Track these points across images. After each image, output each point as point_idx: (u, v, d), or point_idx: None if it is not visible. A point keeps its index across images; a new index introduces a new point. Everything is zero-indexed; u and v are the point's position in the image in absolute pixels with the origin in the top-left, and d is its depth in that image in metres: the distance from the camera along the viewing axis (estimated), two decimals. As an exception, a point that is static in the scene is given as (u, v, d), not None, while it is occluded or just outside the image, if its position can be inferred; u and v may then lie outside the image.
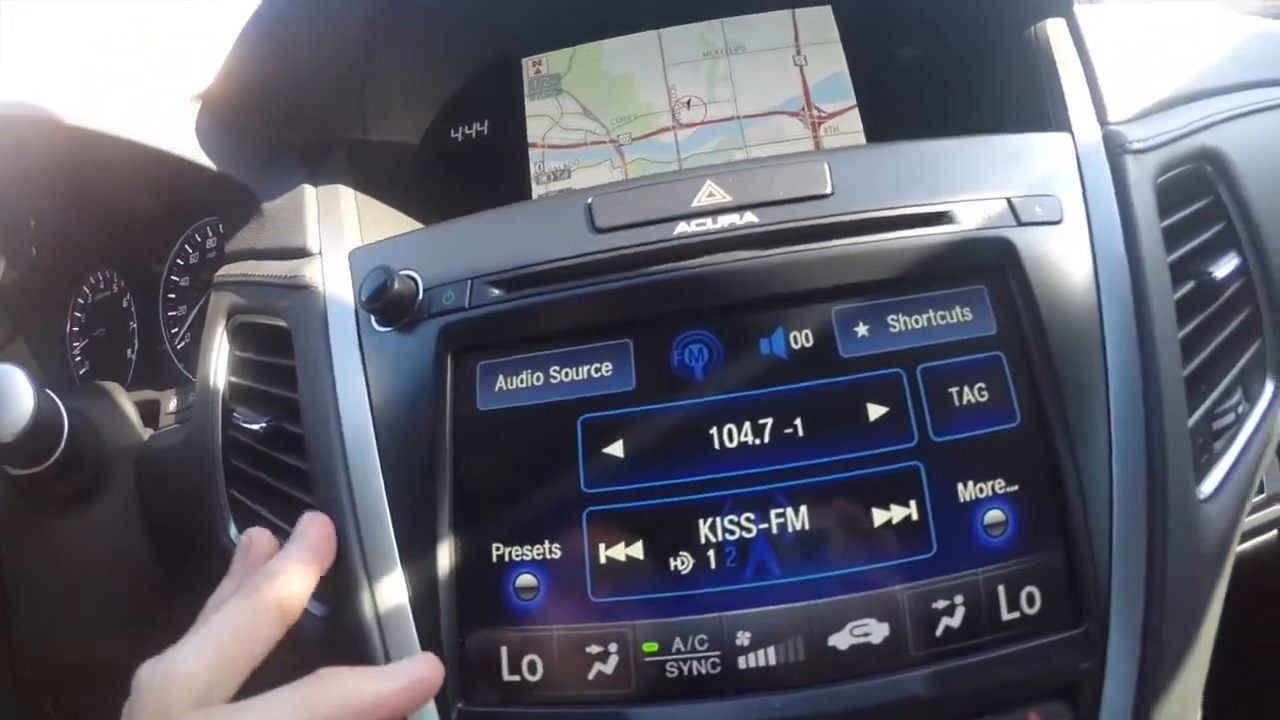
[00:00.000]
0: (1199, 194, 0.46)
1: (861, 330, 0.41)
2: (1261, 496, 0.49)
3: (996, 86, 0.55)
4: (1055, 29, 0.50)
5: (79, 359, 0.68)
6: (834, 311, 0.41)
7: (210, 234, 0.65)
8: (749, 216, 0.42)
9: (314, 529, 0.39)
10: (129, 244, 0.67)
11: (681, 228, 0.42)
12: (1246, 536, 0.48)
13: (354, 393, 0.43)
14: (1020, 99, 0.51)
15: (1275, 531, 0.51)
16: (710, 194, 0.42)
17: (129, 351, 0.66)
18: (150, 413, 0.58)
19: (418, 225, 0.55)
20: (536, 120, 0.61)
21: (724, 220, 0.42)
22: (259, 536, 0.40)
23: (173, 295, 0.66)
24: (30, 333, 0.66)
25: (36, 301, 0.68)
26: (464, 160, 0.62)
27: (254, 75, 0.55)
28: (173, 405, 0.58)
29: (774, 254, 0.41)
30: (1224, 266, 0.45)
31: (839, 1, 0.62)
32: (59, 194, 0.65)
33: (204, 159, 0.54)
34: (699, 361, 0.41)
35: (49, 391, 0.51)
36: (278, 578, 0.35)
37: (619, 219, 0.42)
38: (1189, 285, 0.44)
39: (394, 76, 0.59)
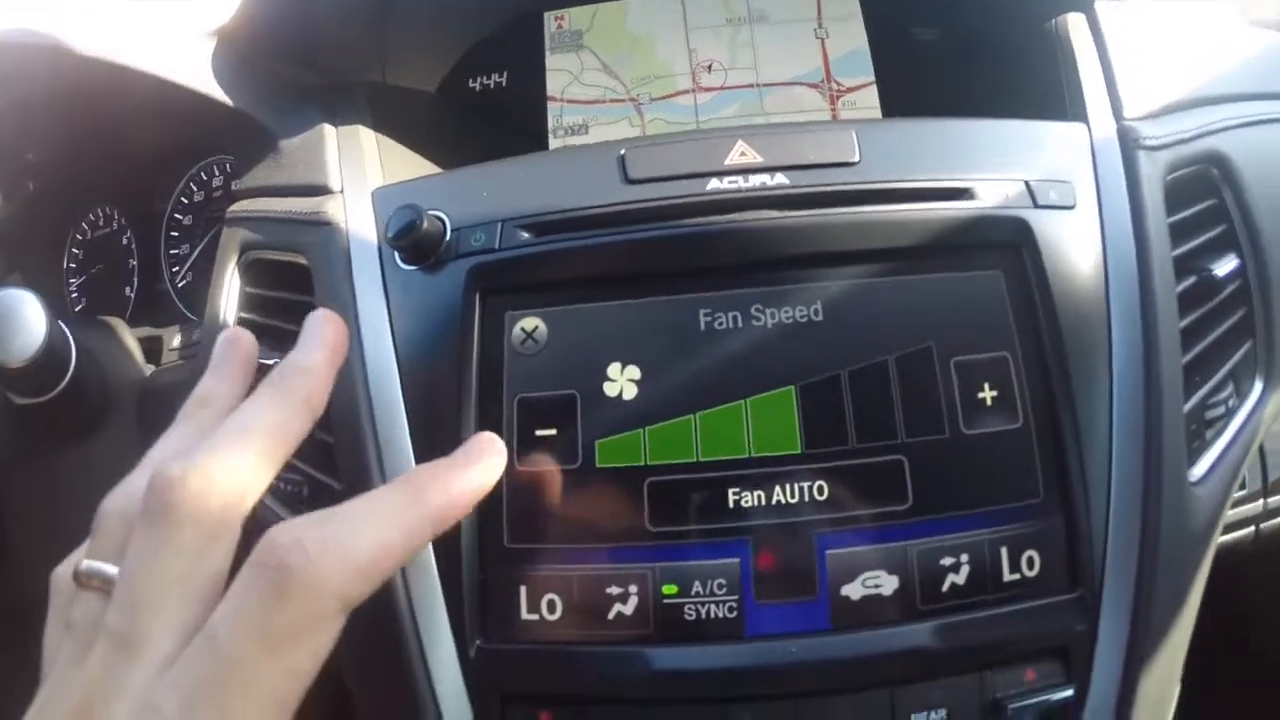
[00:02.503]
0: (1204, 195, 0.47)
1: (887, 297, 0.41)
2: (1243, 492, 0.51)
3: (1012, 75, 0.55)
4: (1076, 23, 0.51)
5: (75, 295, 0.66)
6: (861, 275, 0.41)
7: (217, 172, 0.64)
8: (779, 178, 0.42)
9: (330, 329, 0.35)
10: (132, 180, 0.65)
11: (714, 184, 0.42)
12: (1225, 530, 0.50)
13: (377, 329, 0.42)
14: (1035, 89, 0.52)
15: (1251, 529, 0.53)
16: (742, 153, 0.43)
17: (128, 289, 0.65)
18: (153, 349, 0.58)
19: (435, 169, 0.54)
20: (556, 74, 0.61)
21: (755, 180, 0.42)
22: (246, 336, 0.37)
23: (175, 233, 0.64)
24: (26, 268, 0.64)
25: (33, 237, 0.65)
26: (481, 110, 0.61)
27: (272, 14, 0.54)
28: (176, 341, 0.57)
29: (802, 215, 0.41)
30: (1224, 266, 0.46)
31: (861, -22, 0.62)
32: (61, 127, 0.63)
33: (220, 94, 0.53)
34: (725, 316, 0.41)
35: (59, 321, 0.50)
36: (306, 372, 0.32)
37: (652, 171, 0.42)
38: (1190, 280, 0.45)
39: (416, 23, 0.58)
